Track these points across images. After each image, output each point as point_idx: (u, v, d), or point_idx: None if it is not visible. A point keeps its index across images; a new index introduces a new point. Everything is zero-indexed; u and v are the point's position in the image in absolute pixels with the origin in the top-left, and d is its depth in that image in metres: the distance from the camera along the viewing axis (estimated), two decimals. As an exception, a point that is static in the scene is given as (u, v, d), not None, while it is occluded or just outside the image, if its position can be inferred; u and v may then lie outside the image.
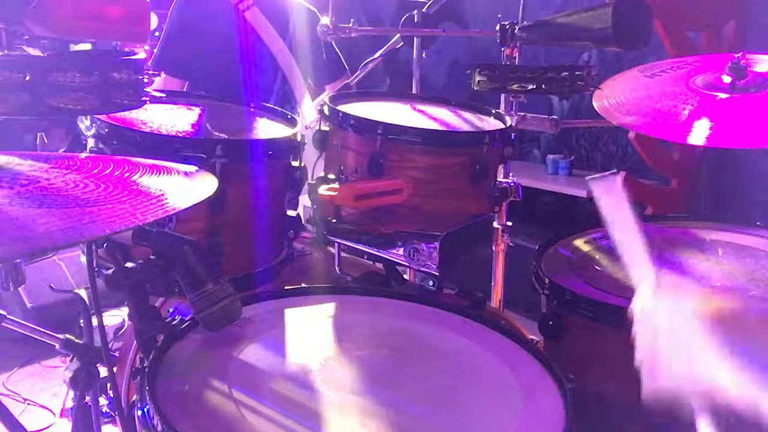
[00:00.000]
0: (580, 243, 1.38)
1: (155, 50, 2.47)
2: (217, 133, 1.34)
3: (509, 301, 1.52)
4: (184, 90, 2.35)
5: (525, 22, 1.66)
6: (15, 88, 0.94)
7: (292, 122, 1.39)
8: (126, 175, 0.82)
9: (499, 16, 1.69)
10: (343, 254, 1.41)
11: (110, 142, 1.17)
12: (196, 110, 1.44)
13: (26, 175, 0.77)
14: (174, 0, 2.46)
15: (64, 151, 1.20)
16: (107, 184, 0.77)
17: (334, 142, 1.29)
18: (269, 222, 1.27)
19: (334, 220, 1.29)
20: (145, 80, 1.08)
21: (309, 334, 0.97)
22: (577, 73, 1.44)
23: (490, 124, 1.42)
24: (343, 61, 2.64)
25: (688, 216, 1.52)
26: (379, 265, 1.41)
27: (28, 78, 0.94)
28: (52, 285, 3.03)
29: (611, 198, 1.00)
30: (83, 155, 1.04)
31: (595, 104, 1.33)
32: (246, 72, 2.34)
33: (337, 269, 1.41)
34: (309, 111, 2.43)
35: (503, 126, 1.38)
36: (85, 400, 1.15)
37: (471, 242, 1.32)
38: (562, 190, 3.92)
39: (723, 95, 1.22)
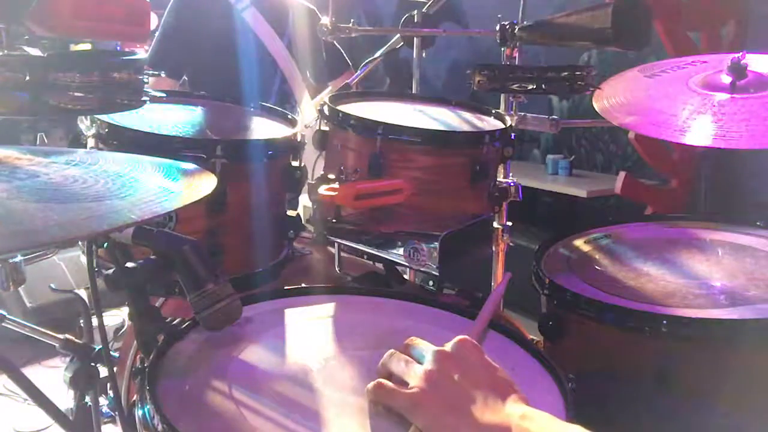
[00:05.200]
0: (580, 243, 1.38)
1: (153, 42, 2.47)
2: (216, 133, 1.34)
3: (509, 301, 1.52)
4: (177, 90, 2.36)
5: (525, 22, 1.66)
6: (15, 88, 0.94)
7: (292, 122, 1.39)
8: (126, 170, 0.82)
9: (499, 16, 1.69)
10: (343, 254, 1.41)
11: (110, 142, 1.17)
12: (196, 110, 1.45)
13: (25, 170, 0.77)
14: (171, 4, 2.46)
15: (64, 151, 1.20)
16: (107, 180, 0.77)
17: (334, 142, 1.29)
18: (269, 222, 1.27)
19: (334, 220, 1.29)
20: (145, 80, 1.08)
21: (309, 334, 0.97)
22: (577, 73, 1.44)
23: (490, 124, 1.42)
24: (346, 57, 2.64)
25: (688, 216, 1.52)
26: (379, 265, 1.41)
27: (28, 78, 0.94)
28: (52, 285, 3.04)
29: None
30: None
31: (595, 104, 1.33)
32: (244, 72, 2.34)
33: (337, 269, 1.41)
34: (308, 110, 2.43)
35: (503, 126, 1.38)
36: (85, 400, 1.15)
37: (471, 242, 1.32)
38: (562, 190, 3.93)
39: (723, 95, 1.22)
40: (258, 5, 2.42)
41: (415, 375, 0.77)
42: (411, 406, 0.74)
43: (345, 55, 2.64)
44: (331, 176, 1.28)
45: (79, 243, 1.17)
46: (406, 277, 1.52)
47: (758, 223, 1.41)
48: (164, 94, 1.48)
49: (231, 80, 2.24)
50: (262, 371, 0.85)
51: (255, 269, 1.25)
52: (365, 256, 1.33)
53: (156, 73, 1.09)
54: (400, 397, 0.75)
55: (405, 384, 0.77)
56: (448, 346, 0.79)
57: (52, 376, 3.09)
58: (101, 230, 0.63)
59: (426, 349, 0.80)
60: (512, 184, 1.45)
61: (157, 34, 2.46)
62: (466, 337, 0.81)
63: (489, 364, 0.78)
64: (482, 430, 0.71)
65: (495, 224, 1.71)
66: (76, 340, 1.15)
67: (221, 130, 1.40)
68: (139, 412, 0.77)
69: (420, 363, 0.79)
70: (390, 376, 0.80)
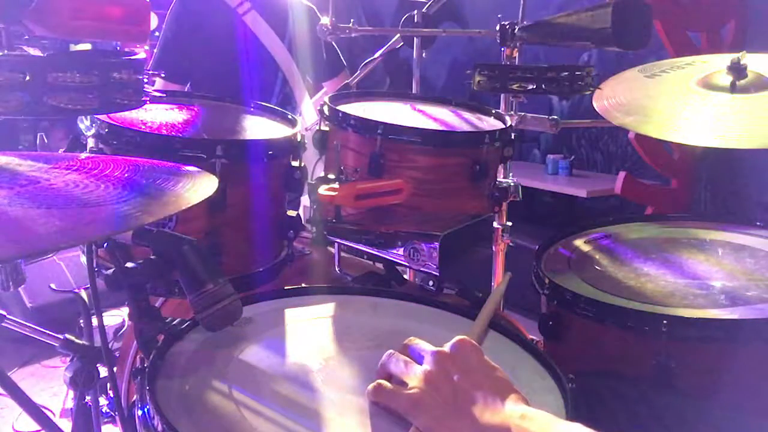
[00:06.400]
0: (580, 243, 1.38)
1: (155, 50, 2.47)
2: (216, 134, 1.33)
3: (509, 301, 1.52)
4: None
5: (525, 22, 1.66)
6: (15, 88, 0.94)
7: (292, 122, 1.39)
8: (126, 174, 0.82)
9: (499, 16, 1.69)
10: (343, 254, 1.41)
11: (110, 142, 1.17)
12: (196, 110, 1.45)
13: (26, 176, 0.77)
14: (171, 6, 2.46)
15: (63, 152, 1.20)
16: (107, 184, 0.77)
17: (334, 142, 1.29)
18: (269, 222, 1.27)
19: (334, 220, 1.29)
20: (145, 80, 1.08)
21: (309, 334, 0.97)
22: (577, 73, 1.45)
23: (490, 124, 1.42)
24: (342, 58, 2.64)
25: (688, 216, 1.52)
26: (379, 265, 1.41)
27: (28, 78, 0.94)
28: (52, 285, 3.05)
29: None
30: (83, 155, 1.04)
31: (595, 104, 1.33)
32: (246, 76, 2.34)
33: (337, 269, 1.41)
34: (309, 112, 2.43)
35: (503, 126, 1.38)
36: (85, 400, 1.15)
37: (471, 242, 1.32)
38: (562, 190, 3.94)
39: (723, 95, 1.22)
40: (259, 8, 2.42)
41: (414, 376, 0.77)
42: (411, 407, 0.74)
43: (341, 55, 2.64)
44: (331, 176, 1.28)
45: (79, 243, 1.17)
46: (406, 277, 1.51)
47: (758, 223, 1.41)
48: (164, 95, 1.48)
49: (233, 84, 2.24)
50: (262, 371, 0.85)
51: (255, 269, 1.25)
52: (365, 256, 1.33)
53: (155, 72, 1.09)
54: (399, 397, 0.75)
55: (404, 384, 0.77)
56: (447, 347, 0.80)
57: (52, 376, 3.10)
58: (102, 235, 0.63)
59: (425, 349, 0.80)
60: (512, 184, 1.45)
61: (158, 42, 2.46)
62: (465, 337, 0.81)
63: (488, 364, 0.79)
64: (482, 430, 0.71)
65: (495, 224, 1.71)
66: (76, 340, 1.15)
67: (221, 130, 1.40)
68: (139, 412, 0.77)
69: (419, 364, 0.79)
70: (389, 376, 0.80)
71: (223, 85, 2.25)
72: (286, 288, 1.10)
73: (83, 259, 1.08)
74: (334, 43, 2.35)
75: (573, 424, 0.71)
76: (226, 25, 2.39)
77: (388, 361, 0.81)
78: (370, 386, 0.78)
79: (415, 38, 1.91)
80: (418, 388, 0.75)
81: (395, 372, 0.80)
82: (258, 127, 1.40)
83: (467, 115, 1.48)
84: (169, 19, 2.45)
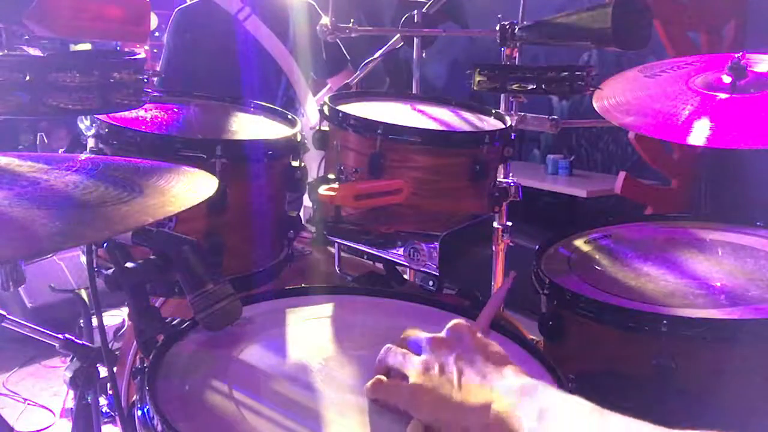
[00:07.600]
0: (580, 243, 1.38)
1: (159, 64, 2.47)
2: (216, 134, 1.33)
3: (509, 301, 1.52)
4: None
5: (525, 22, 1.66)
6: (15, 88, 0.94)
7: (292, 122, 1.39)
8: (126, 175, 0.82)
9: (499, 16, 1.69)
10: (343, 254, 1.41)
11: (110, 142, 1.17)
12: (196, 111, 1.44)
13: (26, 177, 0.77)
14: (171, 19, 2.45)
15: (63, 152, 1.20)
16: (107, 185, 0.77)
17: (333, 142, 1.29)
18: (269, 222, 1.27)
19: (334, 220, 1.29)
20: (145, 80, 1.08)
21: (309, 334, 0.97)
22: (577, 73, 1.44)
23: (490, 124, 1.42)
24: (345, 54, 2.63)
25: (688, 216, 1.52)
26: (379, 265, 1.41)
27: (28, 78, 0.94)
28: (52, 285, 3.05)
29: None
30: (83, 156, 1.04)
31: (595, 104, 1.33)
32: (249, 81, 2.34)
33: (337, 269, 1.41)
34: (313, 113, 2.43)
35: (503, 126, 1.38)
36: (85, 400, 1.15)
37: (471, 242, 1.32)
38: (562, 190, 3.94)
39: (723, 95, 1.22)
40: (259, 13, 2.41)
41: (412, 366, 0.77)
42: (410, 399, 0.74)
43: (344, 51, 2.63)
44: (331, 176, 1.28)
45: (79, 243, 1.17)
46: (406, 277, 1.51)
47: (758, 223, 1.41)
48: (164, 94, 1.48)
49: (236, 91, 2.23)
50: (261, 371, 0.85)
51: (255, 269, 1.25)
52: (365, 256, 1.33)
53: (157, 72, 1.09)
54: (399, 391, 0.75)
55: (405, 378, 0.77)
56: (442, 332, 0.80)
57: (52, 376, 3.10)
58: (102, 236, 0.64)
59: (421, 337, 0.80)
60: (512, 184, 1.45)
61: (161, 58, 2.46)
62: (461, 321, 0.81)
63: (482, 341, 0.79)
64: (483, 410, 0.70)
65: (495, 224, 1.71)
66: (76, 340, 1.15)
67: (221, 130, 1.40)
68: (138, 412, 0.77)
69: (417, 354, 0.79)
70: (388, 371, 0.80)
71: (226, 90, 2.26)
72: (286, 288, 1.11)
73: (83, 259, 1.08)
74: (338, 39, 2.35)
75: (572, 396, 0.70)
76: (228, 31, 2.38)
77: (386, 355, 0.81)
78: (369, 383, 0.78)
79: (415, 38, 1.90)
80: (416, 378, 0.75)
81: (394, 364, 0.80)
82: (258, 127, 1.40)
83: (467, 115, 1.48)
84: (168, 33, 2.45)
